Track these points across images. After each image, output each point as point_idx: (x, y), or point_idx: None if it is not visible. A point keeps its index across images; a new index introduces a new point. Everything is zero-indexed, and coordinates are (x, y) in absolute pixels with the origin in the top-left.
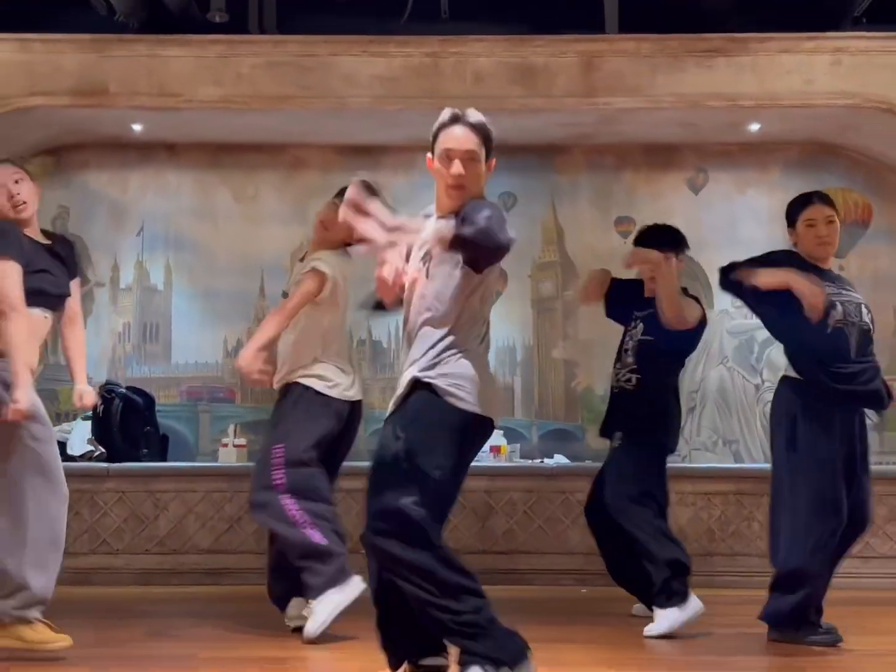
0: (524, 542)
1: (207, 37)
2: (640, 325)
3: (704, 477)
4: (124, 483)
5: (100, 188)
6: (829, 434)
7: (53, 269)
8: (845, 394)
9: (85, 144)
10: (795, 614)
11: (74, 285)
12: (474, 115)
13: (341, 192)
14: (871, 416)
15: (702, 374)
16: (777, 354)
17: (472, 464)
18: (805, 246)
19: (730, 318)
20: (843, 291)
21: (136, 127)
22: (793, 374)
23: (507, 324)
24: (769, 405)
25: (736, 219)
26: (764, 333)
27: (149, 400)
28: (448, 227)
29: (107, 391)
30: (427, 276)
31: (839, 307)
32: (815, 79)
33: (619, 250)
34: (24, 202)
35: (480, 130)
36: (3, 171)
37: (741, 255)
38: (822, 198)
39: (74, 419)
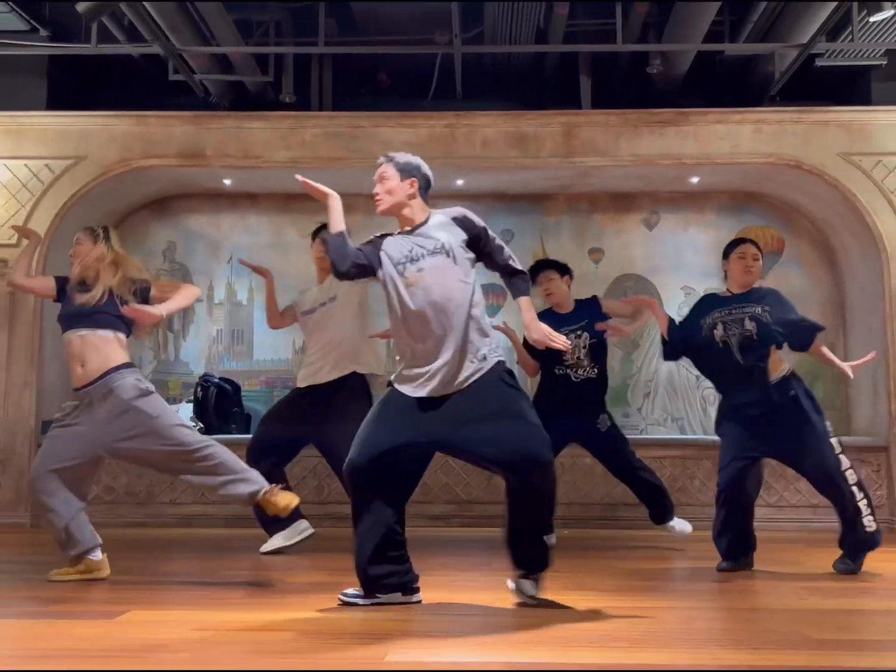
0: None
1: (280, 113)
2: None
3: (658, 445)
4: None
5: (199, 228)
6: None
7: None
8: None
9: (187, 195)
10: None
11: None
12: (392, 154)
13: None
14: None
15: (655, 367)
16: None
17: None
18: (734, 272)
19: None
20: (734, 311)
21: (227, 181)
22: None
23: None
24: (707, 390)
25: (681, 249)
26: None
27: (236, 387)
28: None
29: (204, 381)
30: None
31: (720, 327)
32: (741, 143)
33: (591, 272)
34: (73, 260)
35: (391, 160)
36: (78, 235)
37: (685, 278)
38: (752, 242)
39: (180, 402)
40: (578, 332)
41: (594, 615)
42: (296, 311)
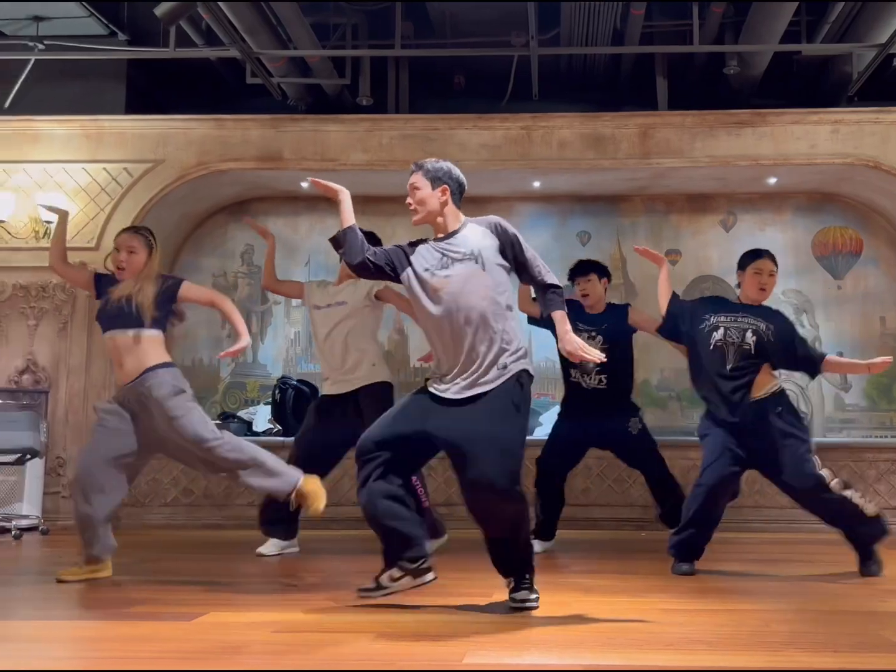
0: (597, 496)
1: (357, 116)
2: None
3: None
4: None
5: (277, 230)
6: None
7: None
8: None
9: (265, 197)
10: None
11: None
12: (422, 161)
13: None
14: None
15: None
16: None
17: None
18: (747, 286)
19: None
20: (740, 319)
21: (304, 184)
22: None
23: None
24: None
25: None
26: None
27: (314, 389)
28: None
29: (282, 383)
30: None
31: (721, 330)
32: (818, 143)
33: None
34: (124, 269)
35: (421, 167)
36: (129, 239)
37: None
38: (770, 255)
39: (258, 404)
40: (594, 334)
41: (670, 618)
42: (304, 293)
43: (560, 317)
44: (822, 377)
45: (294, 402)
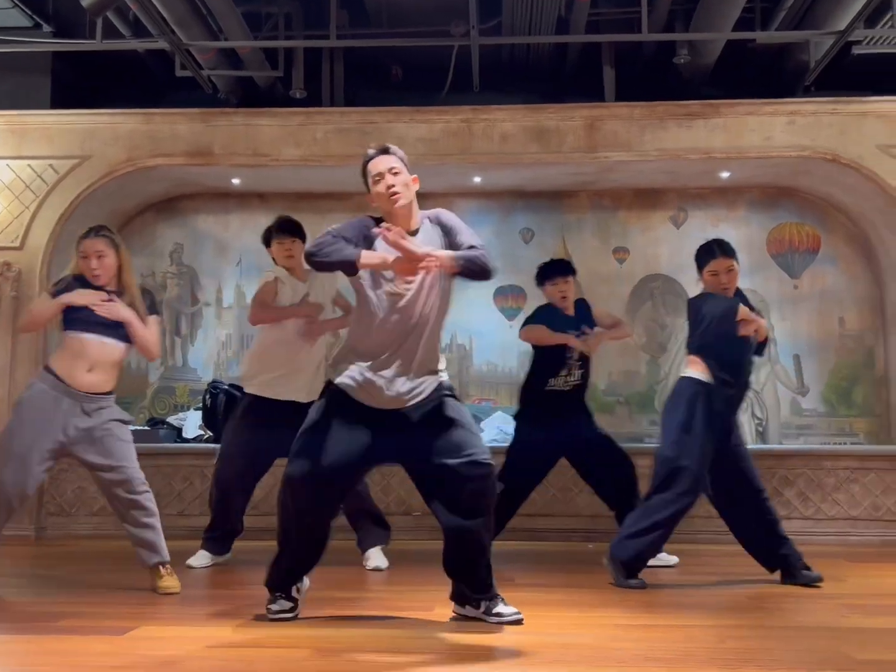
0: (542, 506)
1: (290, 109)
2: None
3: None
4: None
5: (207, 228)
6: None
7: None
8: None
9: (195, 194)
10: None
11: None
12: (389, 145)
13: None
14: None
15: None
16: None
17: (501, 445)
18: (710, 290)
19: None
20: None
21: (235, 181)
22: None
23: None
24: None
25: None
26: None
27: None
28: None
29: (213, 388)
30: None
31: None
32: (773, 135)
33: (615, 272)
34: (98, 275)
35: (394, 153)
36: (95, 244)
37: None
38: (724, 250)
39: (188, 409)
40: (577, 335)
41: (623, 633)
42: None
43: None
44: (777, 381)
45: (225, 407)
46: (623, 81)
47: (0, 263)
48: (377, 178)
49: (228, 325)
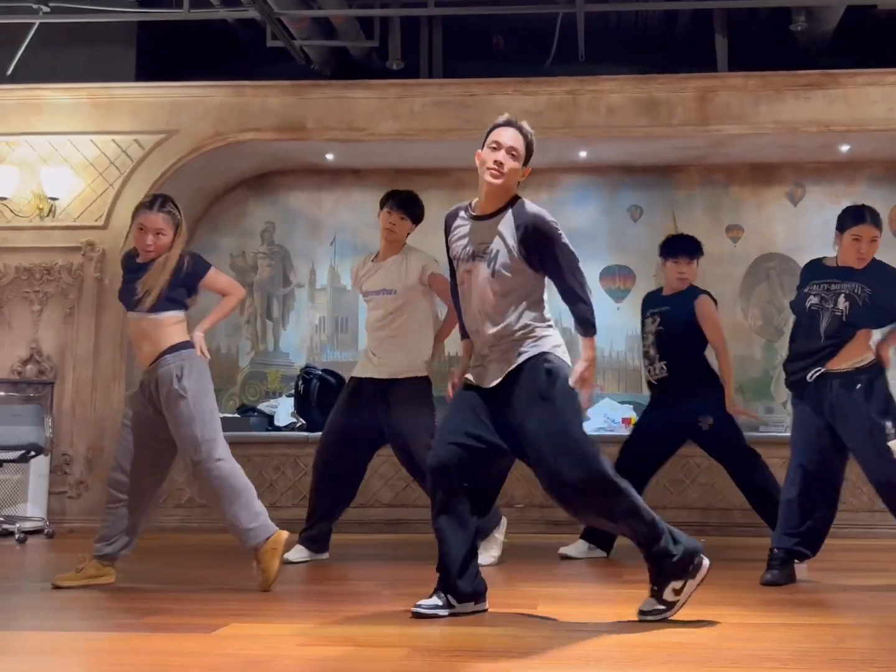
0: (652, 498)
1: (386, 81)
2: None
3: None
4: None
5: (299, 206)
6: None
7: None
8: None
9: (287, 170)
10: None
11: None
12: (526, 125)
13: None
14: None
15: None
16: None
17: (608, 433)
18: (844, 254)
19: None
20: (833, 285)
21: (329, 156)
22: None
23: (637, 315)
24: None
25: (829, 225)
26: None
27: (340, 380)
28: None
29: (306, 373)
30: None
31: (814, 297)
32: None
33: (728, 251)
34: (151, 252)
35: (526, 137)
36: (156, 220)
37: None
38: (873, 218)
39: (280, 396)
40: (655, 318)
41: (737, 633)
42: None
43: (588, 343)
44: None
45: (319, 393)
46: (736, 50)
47: (83, 243)
48: (494, 145)
49: (322, 307)
